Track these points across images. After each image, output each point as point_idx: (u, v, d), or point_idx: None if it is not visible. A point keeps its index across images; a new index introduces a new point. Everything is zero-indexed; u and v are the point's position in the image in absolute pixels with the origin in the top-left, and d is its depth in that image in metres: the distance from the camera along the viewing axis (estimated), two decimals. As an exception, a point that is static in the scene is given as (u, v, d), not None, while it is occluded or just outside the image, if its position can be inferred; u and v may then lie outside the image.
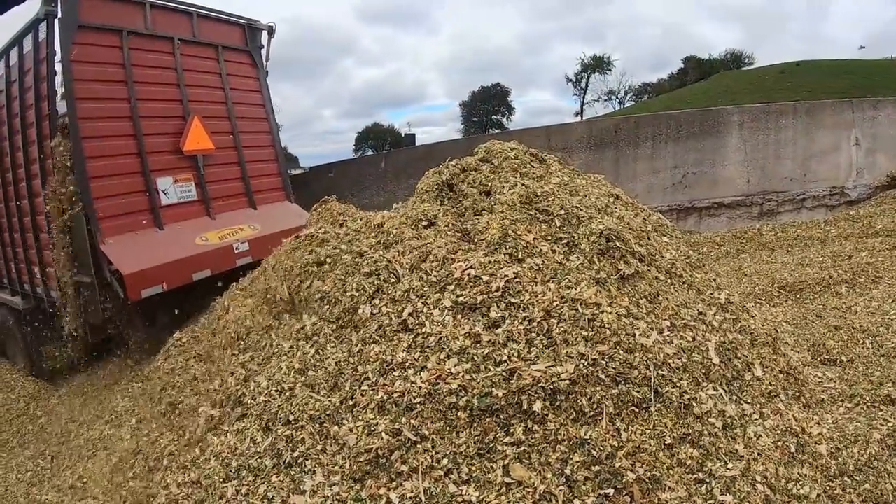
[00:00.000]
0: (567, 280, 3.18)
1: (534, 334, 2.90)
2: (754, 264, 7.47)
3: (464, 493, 2.47)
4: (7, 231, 7.52)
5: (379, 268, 3.41)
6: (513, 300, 3.03)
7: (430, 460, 2.57)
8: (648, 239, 3.93)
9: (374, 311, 3.20)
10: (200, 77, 7.38)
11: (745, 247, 8.42)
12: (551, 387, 2.69)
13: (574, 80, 54.22)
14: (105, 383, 5.80)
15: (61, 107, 6.11)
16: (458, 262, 3.28)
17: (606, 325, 2.95)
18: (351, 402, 2.84)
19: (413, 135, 31.91)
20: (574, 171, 4.45)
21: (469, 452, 2.58)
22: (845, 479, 2.95)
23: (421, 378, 2.78)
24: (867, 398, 3.80)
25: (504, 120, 54.21)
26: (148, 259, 6.00)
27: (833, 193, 9.33)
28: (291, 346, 3.36)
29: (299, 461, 2.76)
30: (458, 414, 2.65)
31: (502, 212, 3.57)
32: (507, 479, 2.48)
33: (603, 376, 2.76)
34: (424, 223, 3.71)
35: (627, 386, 2.76)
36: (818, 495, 2.75)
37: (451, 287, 3.15)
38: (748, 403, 3.10)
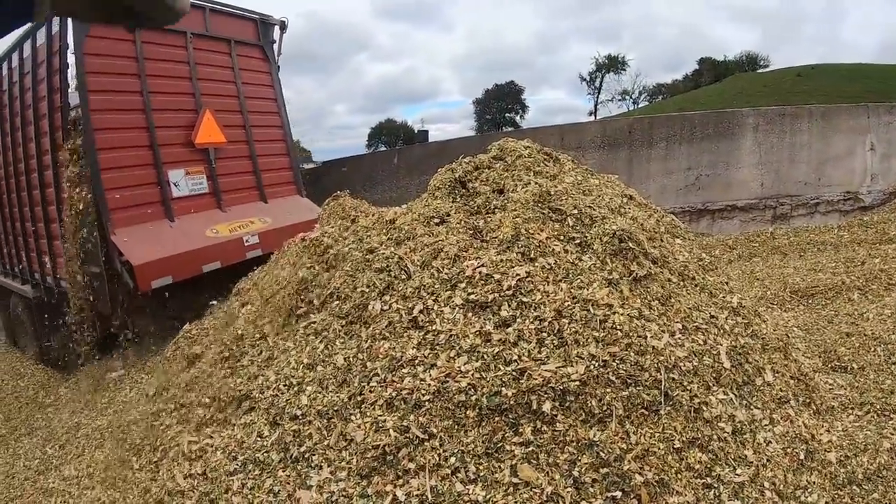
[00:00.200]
0: (579, 280, 3.15)
1: (545, 334, 2.88)
2: (766, 268, 7.41)
3: (470, 492, 2.46)
4: (19, 221, 7.58)
5: (390, 264, 3.39)
6: (524, 299, 3.01)
7: (437, 458, 2.55)
8: (661, 240, 3.90)
9: (385, 308, 3.19)
10: (212, 71, 7.42)
11: (758, 250, 8.35)
12: (561, 387, 2.66)
13: (588, 79, 54.19)
14: (114, 374, 5.81)
15: (73, 99, 6.15)
16: (470, 259, 3.26)
17: (618, 327, 2.93)
18: (359, 398, 2.83)
19: (426, 131, 31.82)
20: (587, 170, 4.42)
21: (477, 451, 2.56)
22: (854, 487, 2.91)
23: (430, 375, 2.76)
24: (878, 406, 3.75)
25: (517, 118, 54.20)
26: (158, 250, 6.03)
27: (847, 198, 9.24)
28: (300, 341, 3.35)
29: (306, 456, 2.75)
30: (467, 412, 2.64)
31: (515, 210, 3.54)
32: (515, 480, 2.46)
33: (613, 378, 2.74)
34: (436, 220, 3.69)
35: (638, 388, 2.73)
36: (826, 503, 2.72)
37: (463, 285, 3.14)
38: (758, 409, 3.07)
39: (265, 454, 2.86)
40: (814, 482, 2.82)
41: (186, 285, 6.29)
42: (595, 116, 49.25)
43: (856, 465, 3.05)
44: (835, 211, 9.24)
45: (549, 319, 2.92)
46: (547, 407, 2.63)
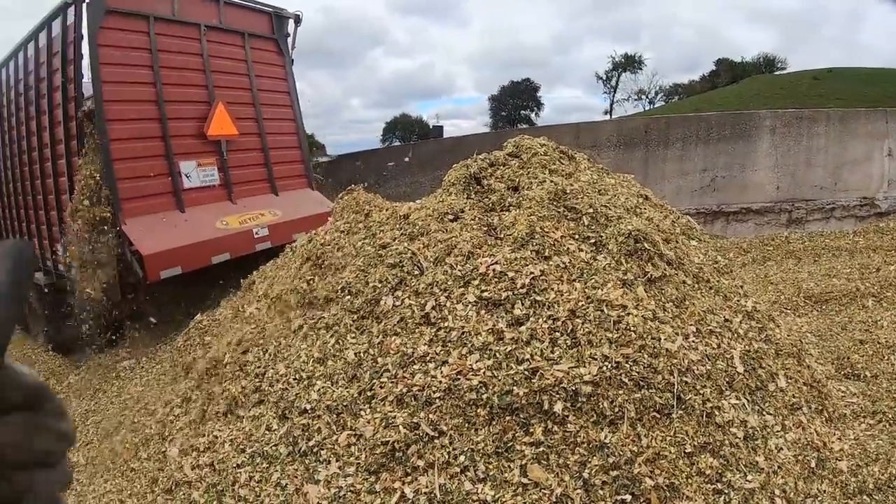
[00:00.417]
0: (594, 280, 3.12)
1: (558, 334, 2.85)
2: (780, 272, 7.35)
3: (479, 491, 2.44)
4: (31, 209, 7.64)
5: (403, 259, 3.37)
6: (538, 298, 2.98)
7: (446, 456, 2.54)
8: (677, 242, 3.86)
9: (397, 303, 3.17)
10: (226, 63, 7.43)
11: (772, 254, 8.28)
12: (573, 388, 2.64)
13: (604, 78, 53.68)
14: (124, 364, 5.83)
15: (87, 89, 6.18)
16: (484, 256, 3.23)
17: (632, 328, 2.90)
18: (369, 394, 2.81)
19: (441, 127, 31.63)
20: (603, 169, 4.37)
21: (487, 450, 2.54)
22: (864, 497, 2.88)
23: (441, 372, 2.74)
24: (890, 416, 3.73)
25: (532, 116, 53.60)
26: (168, 241, 6.04)
27: (863, 204, 9.12)
28: (311, 335, 3.34)
29: (314, 450, 2.74)
30: (478, 411, 2.61)
31: (530, 208, 3.50)
32: (524, 480, 2.45)
33: (626, 380, 2.71)
34: (451, 216, 3.66)
35: (650, 391, 2.70)
36: (837, 512, 2.68)
37: (476, 282, 3.11)
38: (770, 415, 3.04)
39: (273, 447, 2.86)
40: (824, 491, 2.79)
41: (198, 277, 6.31)
42: (611, 116, 48.82)
43: (867, 474, 3.02)
44: (850, 216, 9.13)
45: (563, 319, 2.89)
46: (558, 407, 2.60)
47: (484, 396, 2.63)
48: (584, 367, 2.70)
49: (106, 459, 4.16)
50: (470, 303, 3.01)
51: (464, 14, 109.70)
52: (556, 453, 2.51)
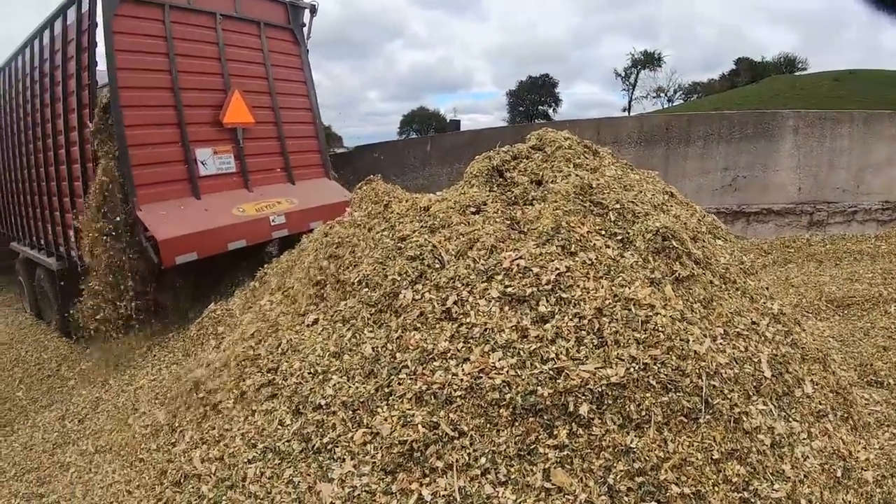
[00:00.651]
0: (621, 278, 3.01)
1: (584, 332, 2.76)
2: (802, 275, 7.21)
3: (500, 494, 2.37)
4: (45, 195, 7.65)
5: (423, 252, 3.27)
6: (563, 295, 2.88)
7: (466, 458, 2.46)
8: (703, 241, 3.74)
9: (417, 297, 3.07)
10: (242, 52, 7.39)
11: (793, 256, 8.14)
12: (599, 390, 2.55)
13: (623, 75, 53.21)
14: (136, 352, 5.78)
15: (101, 77, 6.17)
16: (508, 251, 3.13)
17: (660, 329, 2.80)
18: (387, 391, 2.73)
19: (458, 121, 31.54)
20: (627, 165, 4.25)
21: (509, 453, 2.46)
22: (890, 509, 2.79)
23: (463, 370, 2.65)
24: (914, 425, 3.60)
25: (550, 111, 53.23)
26: (183, 226, 6.01)
27: (886, 208, 8.93)
28: (327, 328, 3.25)
29: (329, 448, 2.66)
30: (500, 411, 2.53)
31: (556, 202, 3.39)
32: (547, 484, 2.37)
33: (653, 382, 2.62)
34: (473, 209, 3.55)
35: (678, 394, 2.62)
36: (862, 523, 2.61)
37: (500, 277, 3.01)
38: (797, 421, 2.95)
39: (286, 443, 2.78)
40: (850, 501, 2.73)
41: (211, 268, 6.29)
42: (629, 113, 48.54)
43: (892, 485, 2.96)
44: (872, 220, 8.95)
45: (589, 317, 2.79)
46: (584, 409, 2.51)
47: (507, 396, 2.54)
48: (611, 367, 2.62)
49: (115, 449, 4.11)
50: (493, 298, 2.91)
51: (483, 8, 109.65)
52: (581, 457, 2.43)
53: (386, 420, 2.60)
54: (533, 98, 53.36)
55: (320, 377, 2.96)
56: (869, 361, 4.72)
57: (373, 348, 2.95)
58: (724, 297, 3.40)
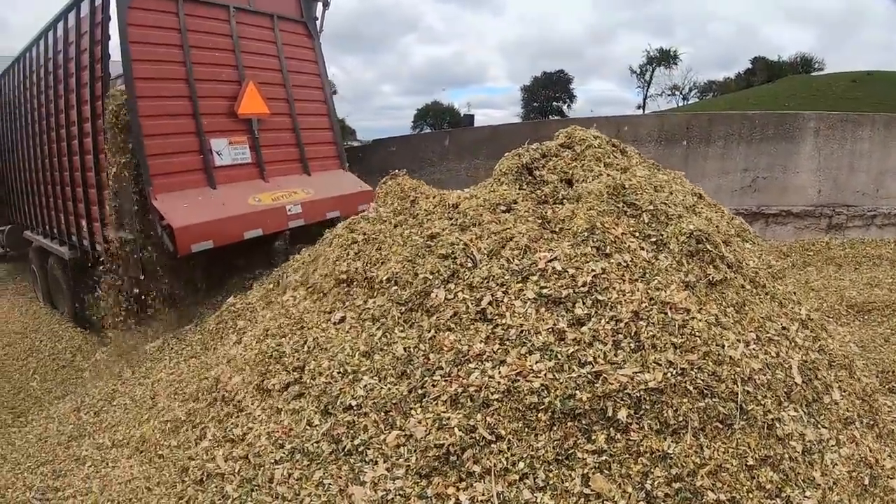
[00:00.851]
0: (656, 281, 2.96)
1: (621, 336, 2.71)
2: (821, 279, 7.14)
3: (538, 500, 2.33)
4: (59, 185, 7.67)
5: (455, 251, 3.22)
6: (599, 297, 2.84)
7: (504, 462, 2.41)
8: (733, 244, 3.69)
9: (449, 297, 3.02)
10: (255, 45, 7.36)
11: (813, 260, 8.07)
12: (637, 394, 2.51)
13: (638, 72, 52.78)
14: (153, 344, 5.74)
15: (114, 69, 6.17)
16: (542, 251, 3.07)
17: (696, 333, 2.77)
18: (420, 392, 2.68)
19: (472, 116, 31.44)
20: (654, 165, 4.19)
21: (547, 457, 2.42)
22: (915, 518, 2.76)
23: (500, 373, 2.60)
24: (937, 434, 3.54)
25: (565, 108, 52.84)
26: (199, 214, 5.99)
27: (905, 213, 8.84)
28: (355, 327, 3.19)
29: (360, 449, 2.62)
30: (539, 415, 2.48)
31: (589, 202, 3.33)
32: (586, 490, 2.33)
33: (690, 387, 2.58)
34: (503, 207, 3.50)
35: (714, 400, 2.58)
36: (889, 532, 2.59)
37: (535, 278, 2.96)
38: (825, 428, 2.92)
39: (315, 444, 2.73)
40: None
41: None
42: (644, 110, 48.04)
43: None
44: (891, 225, 8.85)
45: (626, 321, 2.75)
46: (622, 414, 2.48)
47: (545, 400, 2.49)
48: (649, 372, 2.57)
49: (133, 443, 4.06)
50: (529, 299, 2.86)
51: (499, 3, 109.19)
52: (619, 463, 2.39)
53: (420, 422, 2.56)
54: (547, 94, 52.96)
55: (350, 377, 2.91)
56: (890, 368, 4.67)
57: (405, 348, 2.90)
58: (755, 301, 3.36)
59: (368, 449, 2.59)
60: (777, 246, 8.46)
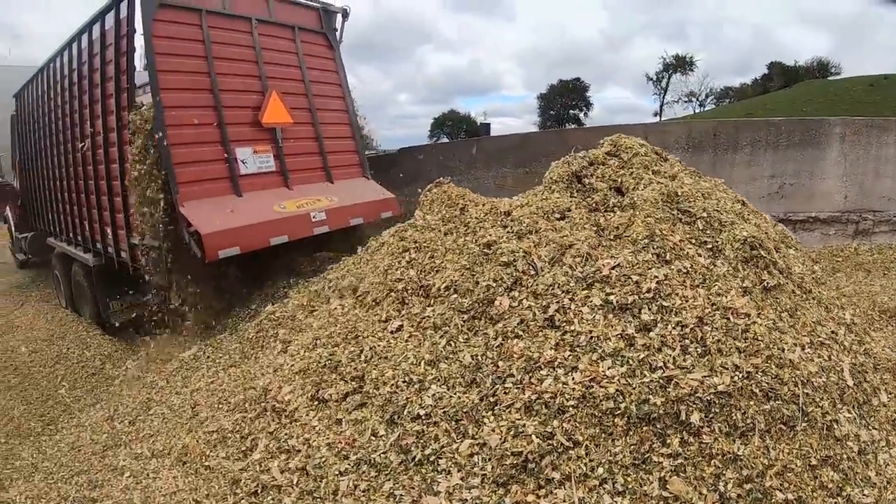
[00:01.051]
0: (717, 287, 3.01)
1: (688, 341, 2.74)
2: (852, 285, 7.11)
3: (618, 505, 2.32)
4: (83, 193, 7.76)
5: (516, 258, 3.22)
6: (664, 303, 2.86)
7: (583, 468, 2.41)
8: (781, 250, 3.73)
9: (514, 304, 3.02)
10: (278, 56, 7.45)
11: (842, 266, 8.01)
12: (707, 398, 2.54)
13: (655, 79, 52.56)
14: (188, 353, 5.72)
15: (139, 78, 6.28)
16: (604, 258, 3.08)
17: (759, 338, 2.82)
18: (492, 400, 2.68)
19: (489, 124, 31.39)
20: (695, 172, 4.21)
21: (624, 462, 2.43)
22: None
23: (573, 379, 2.61)
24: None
25: (581, 115, 52.54)
26: (226, 221, 6.05)
27: (931, 219, 8.78)
28: (415, 336, 3.18)
29: (431, 459, 2.61)
30: (615, 420, 2.49)
31: (645, 209, 3.35)
32: (665, 493, 2.35)
33: (756, 391, 2.64)
34: (557, 215, 3.51)
35: (778, 402, 2.64)
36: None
37: (599, 284, 2.97)
38: (875, 429, 3.00)
39: (382, 455, 2.71)
40: None
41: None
42: (660, 117, 47.89)
43: None
44: (917, 230, 8.79)
45: (692, 326, 2.78)
46: (695, 418, 2.51)
47: (622, 405, 2.50)
48: (718, 376, 2.61)
49: (175, 454, 4.00)
50: (596, 306, 2.87)
51: (513, 10, 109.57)
52: (693, 465, 2.43)
53: (494, 430, 2.56)
54: (564, 102, 52.76)
55: (416, 386, 2.90)
56: (927, 372, 4.64)
57: (472, 356, 2.90)
58: (805, 306, 3.41)
59: (440, 458, 2.58)
60: (806, 252, 8.42)
